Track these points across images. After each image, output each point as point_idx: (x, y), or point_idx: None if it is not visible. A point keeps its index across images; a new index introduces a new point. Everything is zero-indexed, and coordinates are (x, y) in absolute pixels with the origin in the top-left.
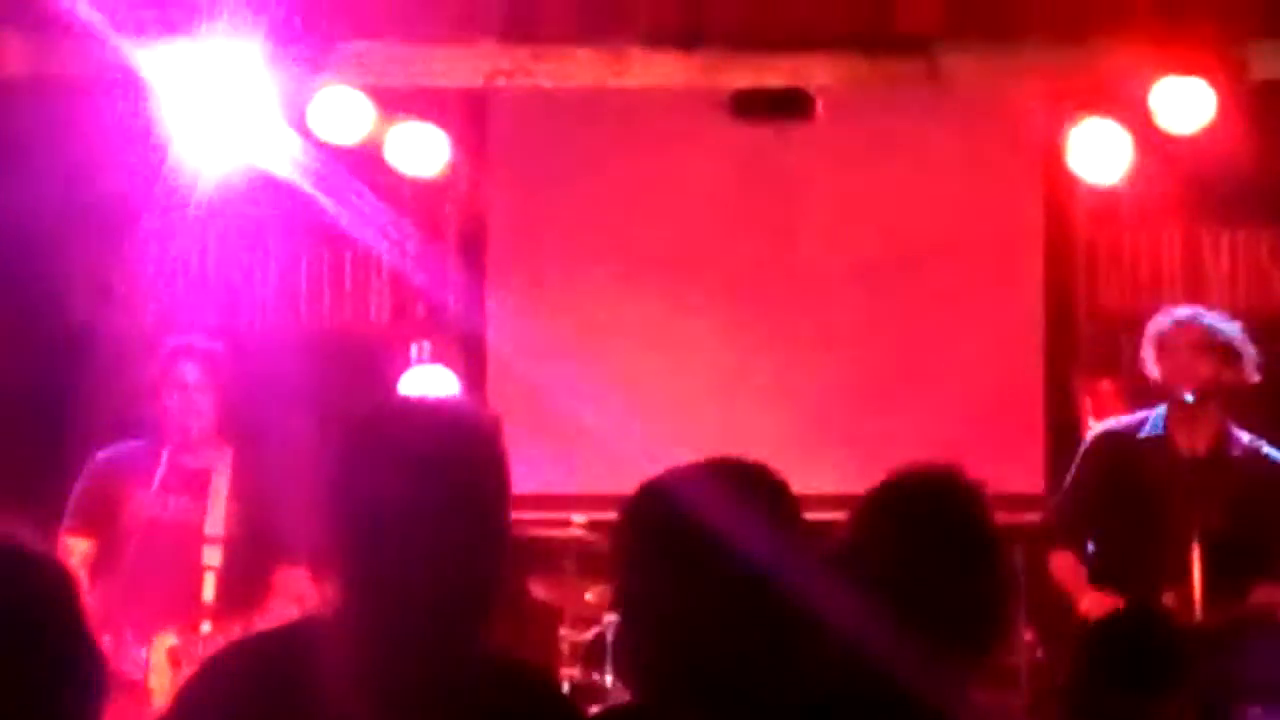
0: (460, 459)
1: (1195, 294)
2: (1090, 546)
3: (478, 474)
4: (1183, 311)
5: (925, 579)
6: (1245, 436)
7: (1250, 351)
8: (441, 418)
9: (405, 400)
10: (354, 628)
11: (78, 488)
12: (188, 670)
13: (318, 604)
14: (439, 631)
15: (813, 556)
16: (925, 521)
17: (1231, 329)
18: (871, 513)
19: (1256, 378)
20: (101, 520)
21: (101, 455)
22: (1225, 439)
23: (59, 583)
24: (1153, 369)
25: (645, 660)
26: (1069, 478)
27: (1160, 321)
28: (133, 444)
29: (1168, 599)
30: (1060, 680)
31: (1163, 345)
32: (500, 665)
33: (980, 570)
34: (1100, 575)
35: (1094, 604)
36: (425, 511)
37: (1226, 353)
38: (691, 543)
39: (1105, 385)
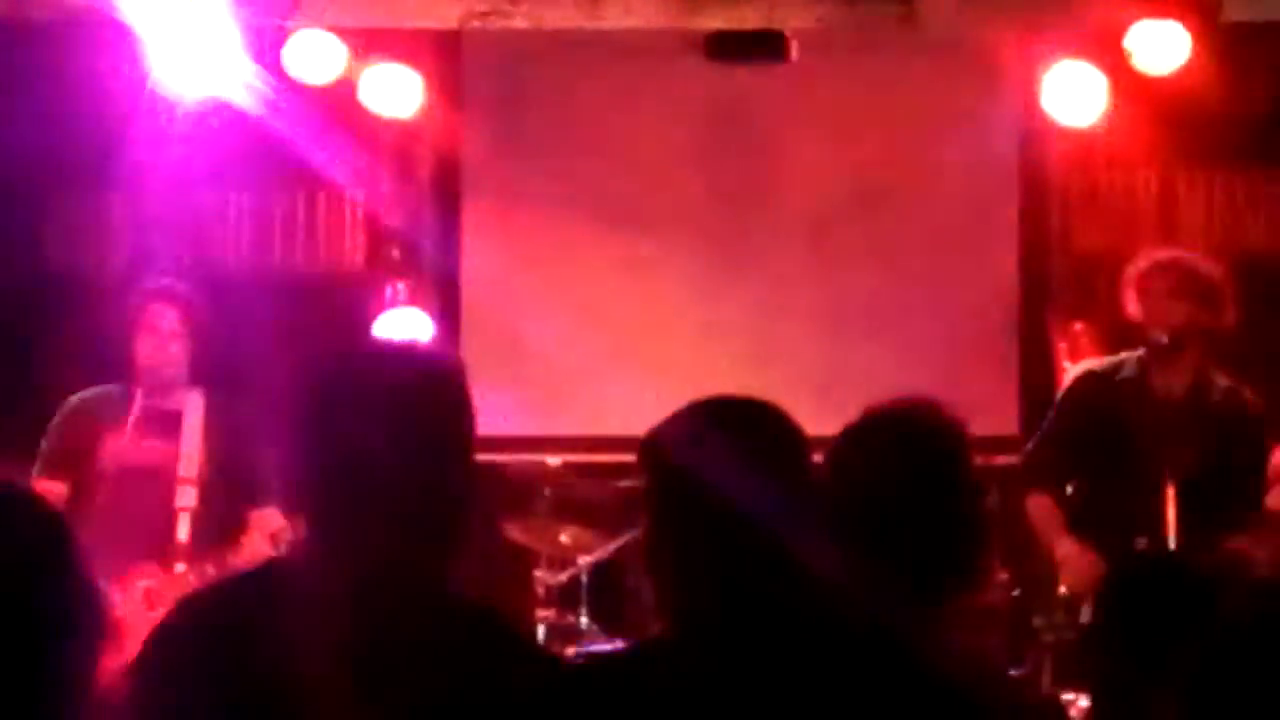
0: (426, 402)
1: (1170, 236)
2: (1068, 489)
3: (443, 417)
4: (1161, 254)
5: (897, 514)
6: (1223, 380)
7: (1229, 294)
8: (408, 362)
9: (374, 344)
10: (320, 568)
11: (50, 432)
12: (162, 611)
13: (290, 543)
14: (403, 572)
15: (806, 499)
16: (895, 455)
17: (1211, 271)
18: (845, 448)
19: (1234, 320)
20: (74, 464)
21: (73, 399)
22: (1203, 382)
23: (54, 528)
24: (1132, 311)
25: (662, 601)
26: (1047, 419)
27: (1139, 264)
28: (105, 387)
29: (1142, 543)
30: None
31: (1141, 287)
32: (465, 607)
33: (953, 504)
34: (1076, 518)
35: (1069, 552)
36: (391, 453)
37: (1205, 295)
38: (688, 494)
39: (1080, 327)
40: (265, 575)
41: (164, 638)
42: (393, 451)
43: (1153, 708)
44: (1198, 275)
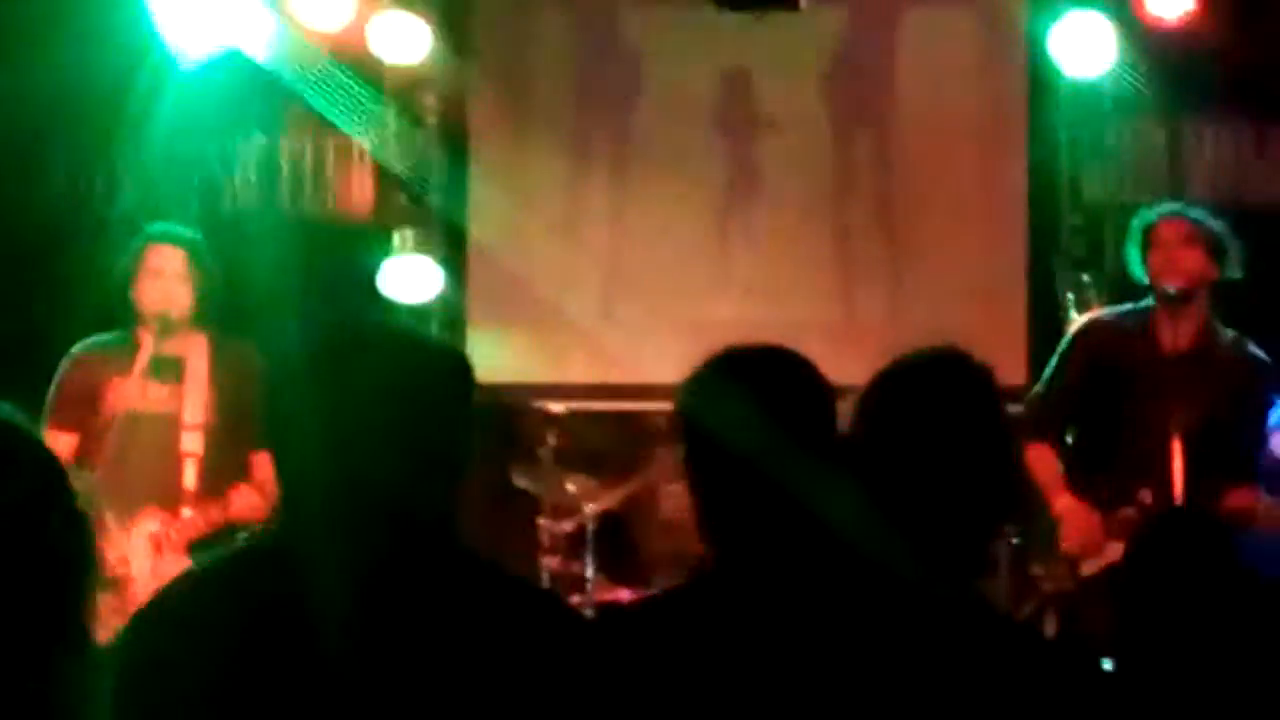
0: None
1: (1178, 186)
2: (1069, 439)
3: (445, 389)
4: (1168, 206)
5: (928, 462)
6: (1229, 332)
7: (1235, 246)
8: (407, 340)
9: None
10: (324, 531)
11: (57, 383)
12: (168, 555)
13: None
14: (407, 530)
15: (831, 450)
16: (926, 403)
17: (1218, 225)
18: (874, 396)
19: (1241, 273)
20: (82, 412)
21: (78, 348)
22: (1209, 334)
23: (48, 467)
24: (1137, 264)
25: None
26: (1050, 367)
27: (1145, 216)
28: (109, 334)
29: (1146, 495)
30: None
31: (1148, 240)
32: (479, 562)
33: (985, 454)
34: (1078, 467)
35: (1067, 507)
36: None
37: (1212, 248)
38: (713, 453)
39: (1087, 279)
40: (265, 542)
41: (165, 601)
42: (394, 416)
43: (1181, 662)
44: (1205, 227)
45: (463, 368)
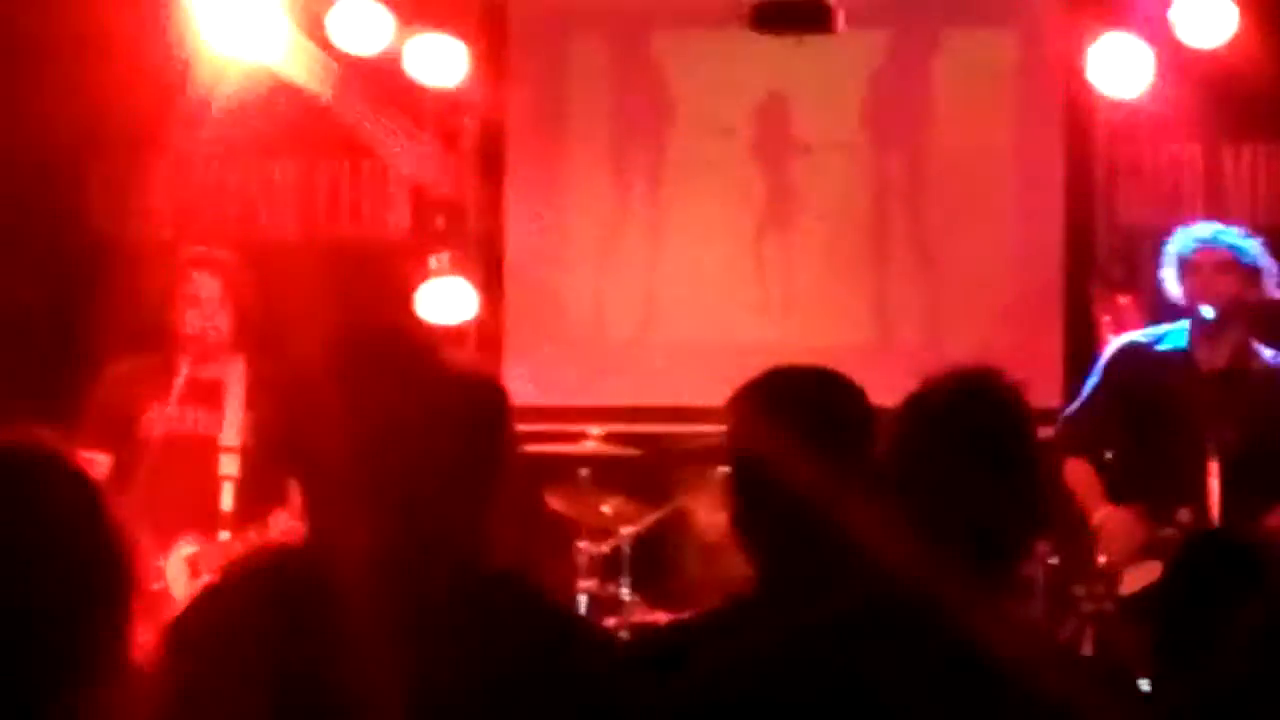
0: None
1: (1215, 208)
2: (1108, 456)
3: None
4: (1204, 230)
5: (960, 483)
6: (1267, 353)
7: (1272, 268)
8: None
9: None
10: (349, 548)
11: (92, 403)
12: (206, 578)
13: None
14: (436, 548)
15: (868, 474)
16: (958, 424)
17: (1253, 246)
18: (906, 417)
19: (1278, 294)
20: (117, 434)
21: (115, 369)
22: (1246, 355)
23: (85, 489)
24: (1174, 287)
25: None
26: (1087, 387)
27: (1181, 240)
28: (147, 357)
29: (1184, 515)
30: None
31: (1185, 264)
32: (504, 581)
33: (1015, 475)
34: (1116, 489)
35: (1107, 518)
36: (430, 437)
37: (1249, 271)
38: (753, 477)
39: (1123, 300)
40: (294, 555)
41: (198, 612)
42: (433, 433)
43: (1213, 680)
44: (1241, 251)
45: (496, 395)
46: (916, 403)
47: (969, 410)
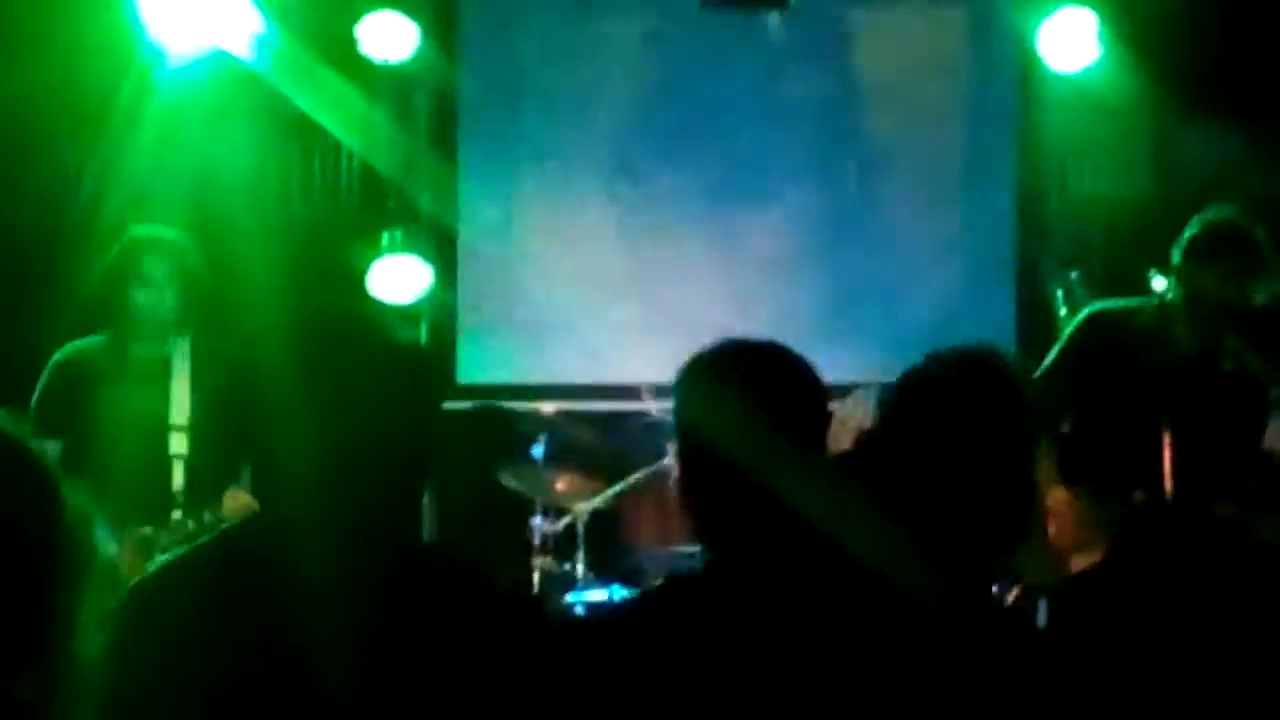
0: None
1: (1166, 184)
2: (1064, 428)
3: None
4: (1224, 228)
5: (952, 469)
6: (1235, 339)
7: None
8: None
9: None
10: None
11: (40, 390)
12: (160, 559)
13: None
14: (377, 528)
15: (817, 448)
16: (954, 406)
17: (1270, 253)
18: (902, 398)
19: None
20: (67, 419)
21: (61, 354)
22: (1217, 339)
23: (37, 474)
24: (1175, 277)
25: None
26: (1050, 355)
27: (1195, 243)
28: (93, 338)
29: (1137, 496)
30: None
31: (1194, 262)
32: (439, 556)
33: (1013, 459)
34: (1071, 462)
35: (1056, 501)
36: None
37: (1261, 279)
38: (700, 452)
39: (1075, 274)
40: (241, 533)
41: (149, 592)
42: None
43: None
44: (1261, 258)
45: (430, 368)
46: (911, 379)
47: (965, 392)
